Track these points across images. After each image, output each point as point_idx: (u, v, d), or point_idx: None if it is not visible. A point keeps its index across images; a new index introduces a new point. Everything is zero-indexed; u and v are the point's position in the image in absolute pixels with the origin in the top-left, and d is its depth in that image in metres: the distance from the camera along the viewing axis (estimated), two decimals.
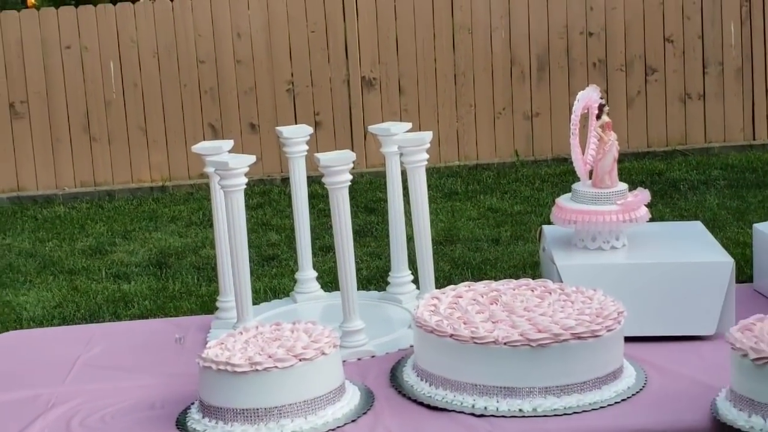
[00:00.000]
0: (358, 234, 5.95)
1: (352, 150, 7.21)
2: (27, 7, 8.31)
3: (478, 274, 4.97)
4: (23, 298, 5.32)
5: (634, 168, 7.26)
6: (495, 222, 6.04)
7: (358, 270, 5.42)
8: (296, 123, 7.67)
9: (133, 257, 5.91)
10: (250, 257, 6.24)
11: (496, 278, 4.74)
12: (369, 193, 7.04)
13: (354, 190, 6.93)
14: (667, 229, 2.14)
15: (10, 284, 5.55)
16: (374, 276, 4.83)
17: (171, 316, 4.68)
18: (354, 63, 7.75)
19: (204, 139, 7.61)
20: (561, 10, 7.77)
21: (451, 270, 5.11)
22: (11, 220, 7.16)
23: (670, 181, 6.78)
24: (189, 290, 5.21)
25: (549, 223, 6.12)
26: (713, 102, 7.90)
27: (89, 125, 7.78)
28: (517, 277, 4.90)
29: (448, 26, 7.79)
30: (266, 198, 6.92)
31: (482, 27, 7.79)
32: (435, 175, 7.25)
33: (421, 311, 1.70)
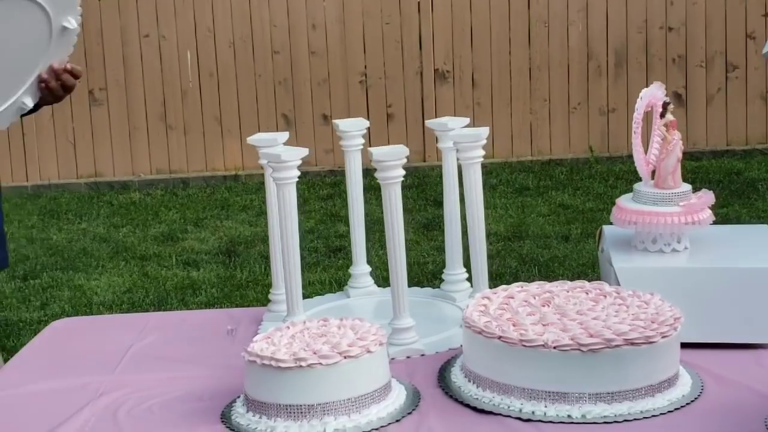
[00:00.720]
0: (426, 228, 5.93)
1: (423, 143, 7.19)
2: None
3: (546, 271, 4.91)
4: (95, 282, 5.41)
5: (712, 167, 7.10)
6: (566, 219, 5.96)
7: (424, 264, 5.41)
8: (368, 115, 7.68)
9: (204, 245, 5.98)
10: (317, 248, 6.25)
11: (564, 276, 4.70)
12: (439, 186, 6.97)
13: (424, 183, 6.96)
14: (732, 233, 2.06)
15: (83, 269, 5.65)
16: (440, 270, 4.78)
17: (237, 305, 4.72)
18: (428, 55, 7.72)
19: (277, 130, 7.66)
20: (640, 4, 7.63)
21: (518, 266, 5.05)
22: (88, 205, 7.30)
23: (749, 181, 6.61)
24: (256, 279, 5.24)
25: None
26: None
27: (165, 113, 7.89)
28: (585, 276, 4.81)
29: (524, 19, 7.70)
30: (336, 189, 6.93)
31: (559, 20, 7.68)
32: (507, 169, 7.18)
33: (471, 311, 1.66)
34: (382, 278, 2.16)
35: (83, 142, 7.97)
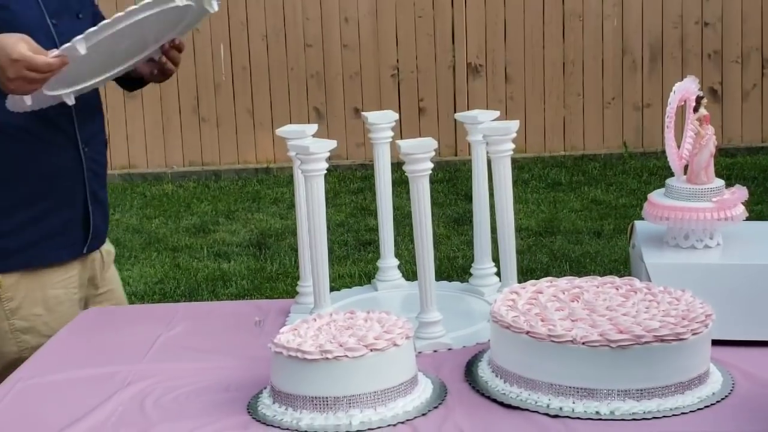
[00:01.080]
0: (457, 222, 5.91)
1: (455, 138, 7.17)
2: None
3: (577, 267, 4.88)
4: (127, 273, 5.45)
5: (747, 163, 7.03)
6: (598, 214, 5.92)
7: (454, 259, 5.39)
8: (400, 109, 7.67)
9: (235, 237, 6.00)
10: (347, 242, 6.26)
11: (595, 273, 4.67)
12: (470, 181, 6.96)
13: (455, 177, 6.94)
14: (766, 229, 2.03)
15: (116, 259, 5.66)
16: (469, 265, 4.76)
17: (267, 297, 4.73)
18: (460, 49, 7.69)
19: (308, 123, 7.67)
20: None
21: (549, 262, 5.02)
22: (121, 196, 7.34)
23: None
24: (286, 271, 5.25)
25: None
26: None
27: (198, 106, 7.92)
28: (617, 273, 4.78)
29: (558, 13, 7.65)
30: (367, 183, 6.93)
31: (594, 14, 7.63)
32: (539, 164, 7.14)
33: (498, 306, 1.65)
34: (411, 272, 2.15)
35: (117, 135, 8.02)
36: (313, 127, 1.95)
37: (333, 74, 7.71)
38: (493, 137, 1.87)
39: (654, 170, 6.95)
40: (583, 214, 5.93)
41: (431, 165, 1.76)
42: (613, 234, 5.43)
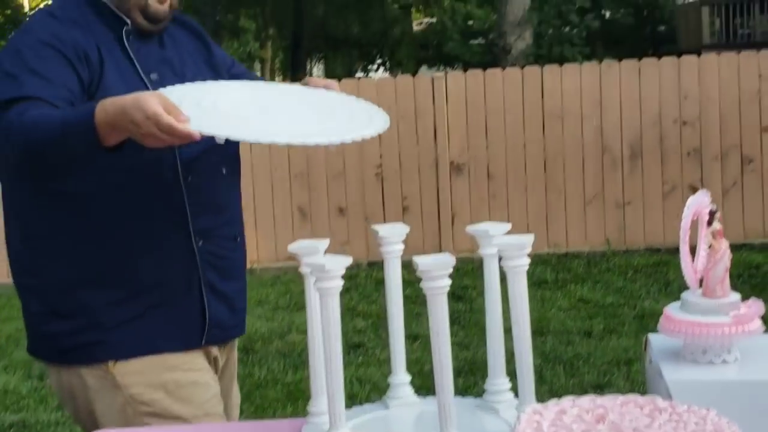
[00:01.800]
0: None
1: (439, 235, 7.15)
2: None
3: (570, 369, 4.83)
4: None
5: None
6: (587, 313, 5.91)
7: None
8: (384, 207, 7.69)
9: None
10: None
11: (589, 374, 4.63)
12: (456, 279, 6.90)
13: None
14: None
15: None
16: (462, 368, 4.72)
17: (257, 406, 4.64)
18: (443, 148, 7.76)
19: (292, 223, 7.66)
20: (654, 99, 7.69)
21: (542, 364, 4.97)
22: None
23: None
24: (275, 377, 5.17)
25: (642, 317, 5.89)
26: None
27: None
28: (612, 375, 4.70)
29: (539, 113, 7.76)
30: (353, 282, 6.90)
31: (573, 114, 7.74)
32: None
33: (523, 427, 1.61)
34: (413, 385, 2.10)
35: None
36: (325, 242, 1.92)
37: (317, 174, 7.73)
38: (508, 252, 1.86)
39: (638, 268, 6.96)
40: (572, 313, 5.92)
41: (449, 282, 1.73)
42: (604, 334, 5.41)
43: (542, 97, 7.72)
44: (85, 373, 2.15)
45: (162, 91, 1.95)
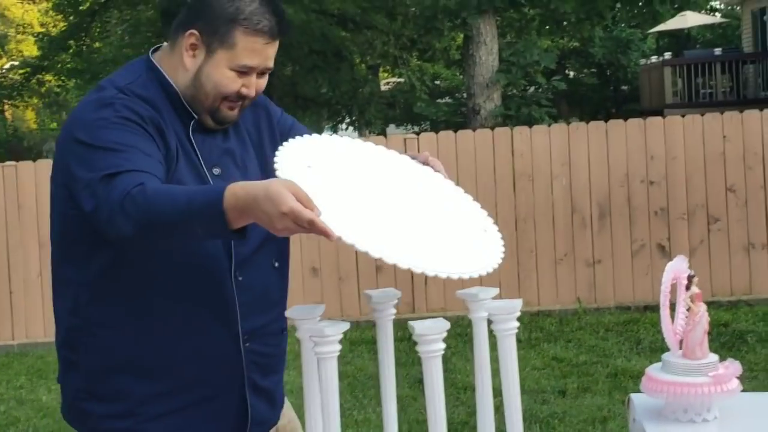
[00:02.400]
0: (422, 382, 5.91)
1: (412, 295, 7.17)
2: None
3: (547, 428, 4.89)
4: None
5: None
6: (560, 372, 5.97)
7: (423, 422, 5.36)
8: (357, 267, 7.76)
9: None
10: None
11: None
12: None
13: None
14: (758, 401, 2.11)
15: None
16: None
17: None
18: None
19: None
20: (621, 159, 7.86)
21: None
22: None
23: (737, 333, 6.68)
24: None
25: (615, 375, 5.95)
26: None
27: None
28: None
29: (509, 173, 7.89)
30: None
31: (543, 175, 7.88)
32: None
33: None
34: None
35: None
36: (321, 308, 2.00)
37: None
38: (498, 316, 1.94)
39: (609, 326, 7.05)
40: (546, 372, 5.98)
41: (444, 345, 1.81)
42: (578, 393, 5.47)
43: (512, 156, 7.87)
44: None
45: (288, 176, 1.86)
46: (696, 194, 7.80)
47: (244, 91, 2.09)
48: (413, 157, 2.22)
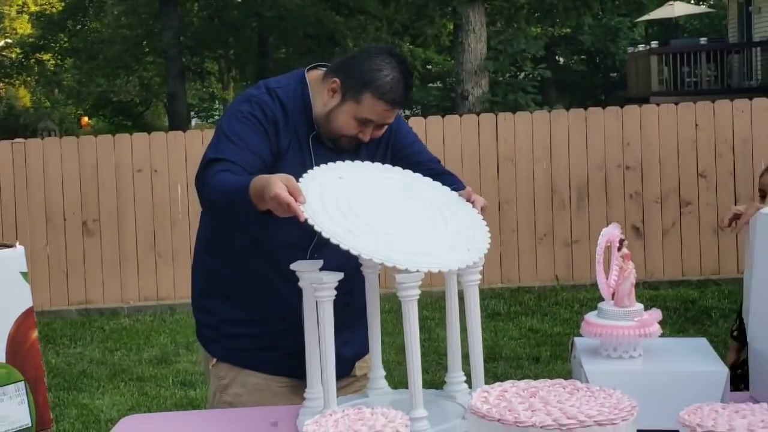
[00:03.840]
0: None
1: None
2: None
3: None
4: (99, 401, 5.76)
5: (669, 295, 7.64)
6: (536, 342, 6.43)
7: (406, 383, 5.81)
8: None
9: (197, 366, 6.35)
10: None
11: None
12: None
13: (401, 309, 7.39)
14: (676, 344, 2.55)
15: (85, 389, 6.01)
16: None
17: None
18: None
19: None
20: (599, 145, 8.30)
21: None
22: (81, 330, 7.65)
23: (703, 309, 7.13)
24: None
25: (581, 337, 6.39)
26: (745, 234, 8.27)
27: (155, 243, 8.34)
28: None
29: (493, 156, 8.33)
30: None
31: (525, 159, 8.32)
32: (480, 295, 7.67)
33: (475, 401, 2.12)
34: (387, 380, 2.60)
35: (75, 271, 8.37)
36: (320, 262, 2.42)
37: None
38: (464, 269, 2.38)
39: (584, 301, 7.52)
40: (522, 342, 6.44)
41: (419, 291, 2.25)
42: (550, 360, 5.93)
43: (497, 141, 8.30)
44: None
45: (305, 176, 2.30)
46: (669, 179, 8.25)
47: (360, 136, 2.60)
48: (460, 194, 2.66)
